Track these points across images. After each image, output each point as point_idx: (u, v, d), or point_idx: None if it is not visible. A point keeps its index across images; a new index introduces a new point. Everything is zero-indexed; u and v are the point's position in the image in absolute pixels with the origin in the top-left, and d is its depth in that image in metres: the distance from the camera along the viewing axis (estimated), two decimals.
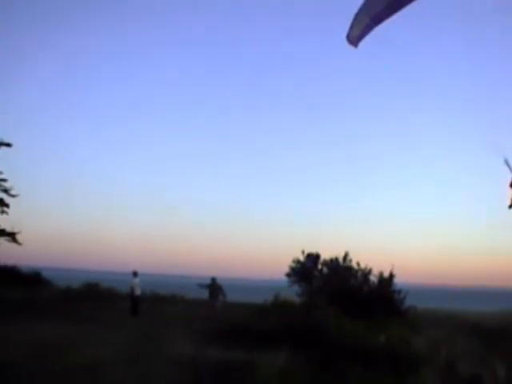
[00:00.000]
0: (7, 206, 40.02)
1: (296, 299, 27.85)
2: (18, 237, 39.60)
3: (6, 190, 39.96)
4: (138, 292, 25.69)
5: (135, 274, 25.98)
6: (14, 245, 40.02)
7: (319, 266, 32.28)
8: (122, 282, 29.67)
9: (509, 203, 11.05)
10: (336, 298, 23.35)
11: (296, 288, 32.20)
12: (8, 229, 39.81)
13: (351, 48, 11.21)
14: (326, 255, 32.35)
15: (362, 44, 11.02)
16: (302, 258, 32.75)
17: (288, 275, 33.03)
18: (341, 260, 31.39)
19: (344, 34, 11.09)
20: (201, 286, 25.14)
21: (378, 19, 10.24)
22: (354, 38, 11.13)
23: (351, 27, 11.00)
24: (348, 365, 11.60)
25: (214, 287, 24.85)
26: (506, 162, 10.69)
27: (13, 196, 40.49)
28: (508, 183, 10.97)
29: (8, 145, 40.02)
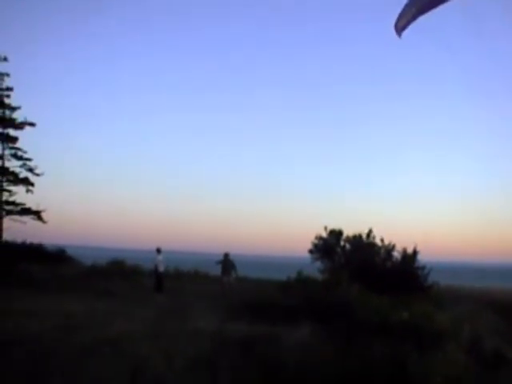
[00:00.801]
0: (32, 184, 40.72)
1: (319, 276, 27.94)
2: (43, 215, 40.24)
3: (30, 169, 40.69)
4: (161, 269, 25.97)
5: (159, 250, 26.23)
6: (39, 223, 40.76)
7: (342, 243, 32.20)
8: (147, 260, 29.94)
9: None
10: (359, 275, 23.38)
11: (319, 264, 32.20)
12: (33, 207, 40.53)
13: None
14: (349, 232, 32.28)
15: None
16: (324, 235, 32.70)
17: (311, 252, 32.99)
18: (364, 236, 31.27)
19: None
20: (217, 262, 25.43)
21: (424, 10, 10.46)
22: (400, 28, 11.44)
23: (399, 17, 11.35)
24: (371, 340, 11.64)
25: (226, 263, 25.07)
26: None
27: (37, 175, 41.12)
28: None
29: (32, 124, 40.66)
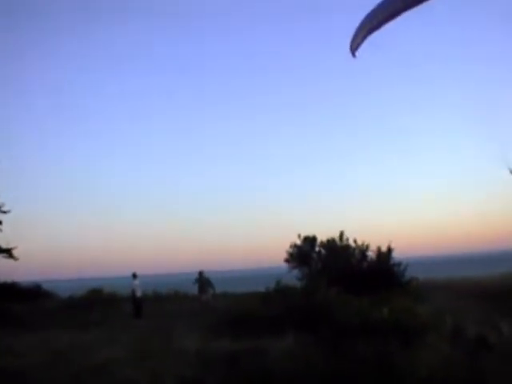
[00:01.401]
0: (0, 222, 39.91)
1: (298, 284, 28.01)
2: (15, 252, 39.49)
3: None
4: (139, 293, 25.76)
5: (135, 275, 26.03)
6: (10, 261, 40.00)
7: (317, 249, 32.38)
8: (124, 286, 29.68)
9: None
10: (336, 278, 23.51)
11: (296, 273, 32.30)
12: (3, 245, 39.75)
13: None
14: (322, 237, 32.47)
15: None
16: (299, 242, 32.85)
17: (287, 261, 33.11)
18: (337, 240, 31.50)
19: None
20: (195, 281, 25.52)
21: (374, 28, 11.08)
22: (354, 49, 11.89)
23: (353, 39, 11.86)
24: (354, 340, 11.71)
25: (202, 281, 25.18)
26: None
27: (4, 212, 40.38)
28: None
29: None
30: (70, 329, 18.70)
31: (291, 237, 33.66)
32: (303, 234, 32.99)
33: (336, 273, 26.13)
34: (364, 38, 11.59)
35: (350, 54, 12.17)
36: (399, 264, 28.02)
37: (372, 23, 11.16)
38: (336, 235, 31.65)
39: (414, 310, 15.13)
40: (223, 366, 11.16)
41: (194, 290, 26.56)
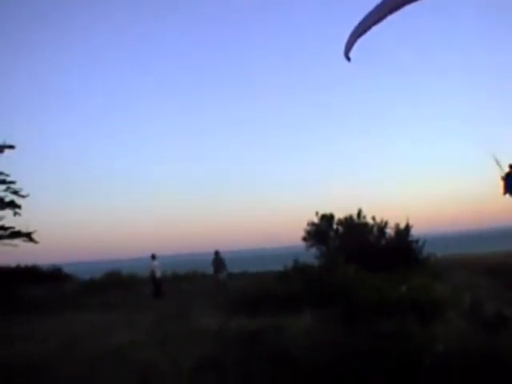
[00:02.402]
0: (19, 207, 40.40)
1: (315, 262, 28.03)
2: (34, 236, 39.98)
3: (15, 192, 40.32)
4: (158, 274, 26.01)
5: (153, 256, 26.26)
6: (31, 244, 40.49)
7: (334, 226, 32.34)
8: (143, 267, 29.91)
9: (502, 192, 12.56)
10: (354, 256, 23.46)
11: (314, 251, 32.32)
12: (23, 229, 40.22)
13: None
14: (340, 214, 32.41)
15: None
16: (316, 220, 32.82)
17: (304, 239, 33.12)
18: (355, 217, 31.43)
19: None
20: (213, 261, 25.74)
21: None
22: (347, 54, 12.08)
23: (346, 46, 11.95)
24: (372, 318, 11.72)
25: (218, 261, 25.35)
26: (496, 161, 11.96)
27: (23, 196, 40.81)
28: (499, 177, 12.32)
29: (11, 147, 40.28)
30: (90, 311, 18.92)
31: (309, 215, 33.69)
32: (321, 212, 32.96)
33: (354, 250, 26.08)
34: (355, 41, 11.84)
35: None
36: (417, 241, 27.92)
37: (363, 27, 11.47)
38: (354, 213, 31.59)
39: (432, 287, 15.09)
40: (242, 345, 11.23)
41: (211, 270, 26.72)
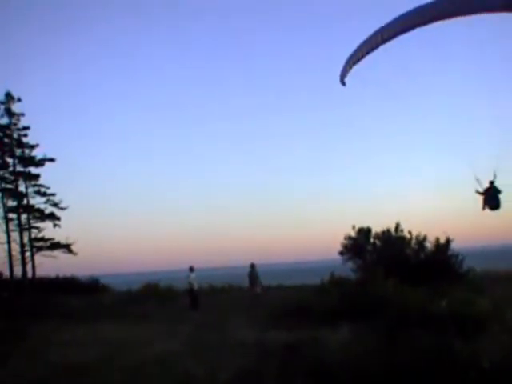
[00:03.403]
0: (58, 218, 41.24)
1: (352, 276, 27.81)
2: (73, 247, 40.61)
3: (55, 204, 41.23)
4: (195, 286, 26.12)
5: (191, 269, 26.42)
6: (70, 255, 41.15)
7: (371, 240, 32.03)
8: (180, 279, 30.02)
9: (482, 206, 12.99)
10: (392, 269, 23.18)
11: (350, 265, 32.05)
12: (62, 241, 40.99)
13: None
14: (377, 228, 32.11)
15: None
16: (353, 234, 32.57)
17: (341, 253, 32.87)
18: (393, 231, 31.09)
19: None
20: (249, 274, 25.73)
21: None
22: (342, 78, 12.97)
23: (342, 71, 12.87)
24: (413, 332, 11.53)
25: (253, 273, 25.30)
26: (476, 177, 12.71)
27: (62, 209, 41.61)
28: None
29: (52, 160, 41.24)
30: (129, 322, 19.04)
31: (345, 229, 33.45)
32: (358, 226, 32.71)
33: (392, 264, 25.76)
34: (351, 67, 12.53)
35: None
36: (457, 255, 27.47)
37: (360, 54, 12.13)
38: (391, 227, 31.27)
39: (474, 302, 14.79)
40: (280, 358, 11.16)
41: (247, 282, 26.68)
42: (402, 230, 30.82)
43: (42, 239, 40.01)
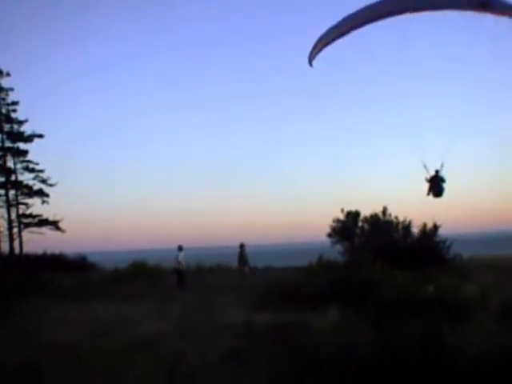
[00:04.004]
0: (47, 195, 40.94)
1: (340, 258, 27.98)
2: (61, 224, 40.40)
3: (44, 181, 40.91)
4: (183, 266, 26.10)
5: (180, 248, 26.36)
6: (58, 233, 40.95)
7: (360, 223, 32.22)
8: (168, 258, 29.98)
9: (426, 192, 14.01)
10: (380, 253, 23.35)
11: (338, 247, 32.25)
12: (50, 218, 40.74)
13: None
14: (365, 212, 32.28)
15: None
16: (341, 217, 32.72)
17: (329, 235, 33.06)
18: (380, 215, 31.28)
19: None
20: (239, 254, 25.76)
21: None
22: (311, 58, 13.52)
23: (311, 50, 13.36)
24: (400, 316, 11.62)
25: (242, 253, 25.33)
26: (424, 165, 13.77)
27: (51, 185, 41.30)
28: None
29: (40, 136, 40.85)
30: (116, 301, 19.04)
31: (334, 212, 33.57)
32: (346, 209, 32.85)
33: (379, 248, 25.95)
34: (320, 50, 13.09)
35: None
36: (444, 241, 27.69)
37: (329, 37, 12.73)
38: (379, 210, 31.45)
39: (460, 288, 14.94)
40: (269, 340, 11.24)
41: (235, 263, 26.74)
42: (389, 215, 31.04)
43: (30, 216, 39.76)
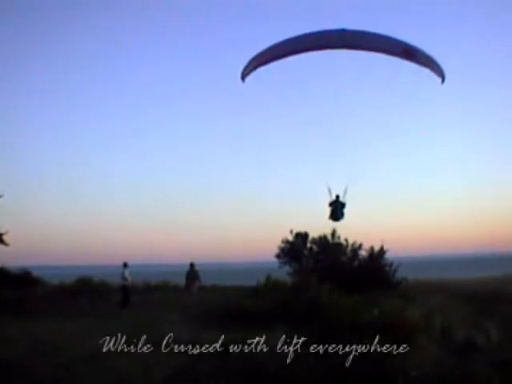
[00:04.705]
0: None
1: (288, 279, 28.01)
2: (5, 237, 39.22)
3: None
4: (128, 283, 25.71)
5: (125, 265, 25.96)
6: (1, 246, 39.69)
7: (308, 245, 32.33)
8: (114, 275, 29.46)
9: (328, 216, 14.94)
10: (327, 275, 23.52)
11: (287, 268, 32.26)
12: None
13: None
14: (314, 233, 32.41)
15: None
16: (290, 238, 32.77)
17: (278, 256, 32.99)
18: (329, 237, 31.49)
19: None
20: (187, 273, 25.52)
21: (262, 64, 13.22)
22: (244, 75, 13.95)
23: (245, 67, 13.83)
24: (345, 339, 11.72)
25: (191, 272, 25.11)
26: (329, 190, 14.58)
27: None
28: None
29: None
30: (59, 317, 18.61)
31: (284, 232, 33.56)
32: (295, 230, 32.93)
33: (327, 270, 26.15)
34: (255, 68, 13.52)
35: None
36: (391, 264, 28.09)
37: (264, 58, 13.17)
38: (328, 233, 31.65)
39: (405, 311, 15.16)
40: (214, 359, 11.17)
41: (183, 281, 26.48)
42: (339, 237, 31.27)
43: None
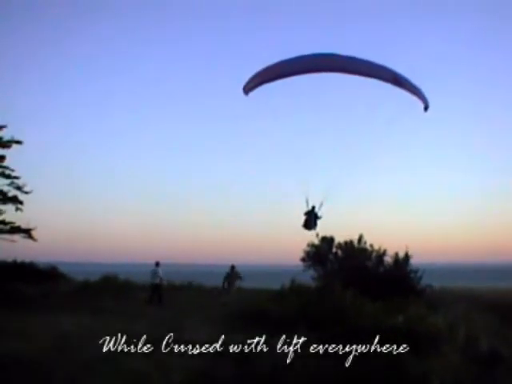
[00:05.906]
0: (21, 202, 40.18)
1: (312, 283, 27.93)
2: (34, 233, 39.71)
3: (19, 188, 40.12)
4: (160, 281, 26.02)
5: (157, 264, 26.33)
6: (30, 241, 40.20)
7: (334, 249, 32.20)
8: (139, 273, 29.71)
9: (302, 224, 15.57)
10: (352, 280, 23.38)
11: (311, 272, 32.16)
12: (23, 225, 39.96)
13: None
14: (340, 238, 32.29)
15: None
16: (316, 242, 32.67)
17: (303, 260, 32.93)
18: (355, 242, 31.34)
19: None
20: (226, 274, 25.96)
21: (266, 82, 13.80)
22: (247, 89, 14.48)
23: (248, 81, 14.34)
24: (368, 345, 11.66)
25: (233, 274, 25.54)
26: (306, 200, 15.14)
27: (26, 193, 40.64)
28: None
29: (18, 142, 40.24)
30: (82, 314, 18.74)
31: (309, 236, 33.43)
32: (321, 234, 32.80)
33: (352, 275, 26.01)
34: (259, 84, 14.05)
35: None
36: (416, 271, 27.84)
37: (269, 75, 13.76)
38: (354, 237, 31.50)
39: (429, 319, 15.03)
40: (234, 361, 11.17)
41: (209, 282, 26.70)
42: (365, 242, 31.10)
43: (3, 222, 39.08)
